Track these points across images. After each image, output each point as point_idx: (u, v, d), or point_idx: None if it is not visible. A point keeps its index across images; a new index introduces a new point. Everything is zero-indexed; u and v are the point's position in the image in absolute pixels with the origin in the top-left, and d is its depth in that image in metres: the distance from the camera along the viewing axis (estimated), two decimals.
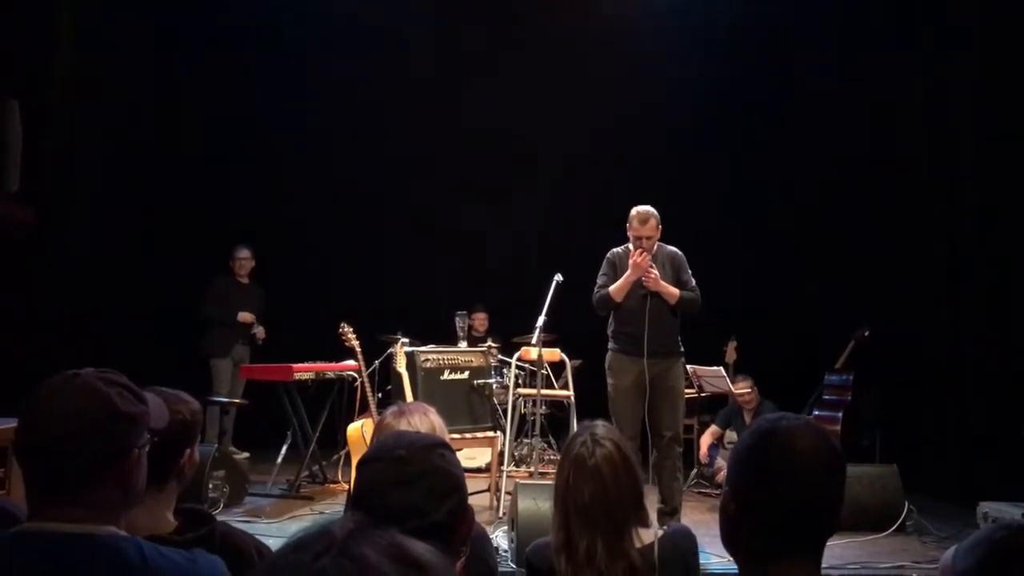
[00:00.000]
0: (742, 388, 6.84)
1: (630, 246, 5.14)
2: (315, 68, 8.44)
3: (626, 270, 5.07)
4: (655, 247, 5.13)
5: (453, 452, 1.64)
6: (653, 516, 2.83)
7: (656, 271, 5.02)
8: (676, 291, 5.06)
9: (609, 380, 5.19)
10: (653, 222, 5.06)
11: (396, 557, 0.75)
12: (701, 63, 8.38)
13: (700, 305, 5.16)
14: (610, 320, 5.26)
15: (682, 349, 5.25)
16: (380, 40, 8.48)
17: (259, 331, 7.49)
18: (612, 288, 5.09)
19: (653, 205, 5.18)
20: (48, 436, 1.48)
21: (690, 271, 5.21)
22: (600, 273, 5.27)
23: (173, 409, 1.84)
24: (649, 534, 2.29)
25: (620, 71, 8.41)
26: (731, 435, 7.03)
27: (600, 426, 2.39)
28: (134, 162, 7.75)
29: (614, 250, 5.27)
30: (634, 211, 5.12)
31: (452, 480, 1.56)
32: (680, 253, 5.25)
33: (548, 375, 6.79)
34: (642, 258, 4.97)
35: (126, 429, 1.53)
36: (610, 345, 5.25)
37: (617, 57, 8.38)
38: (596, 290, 5.22)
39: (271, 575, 0.75)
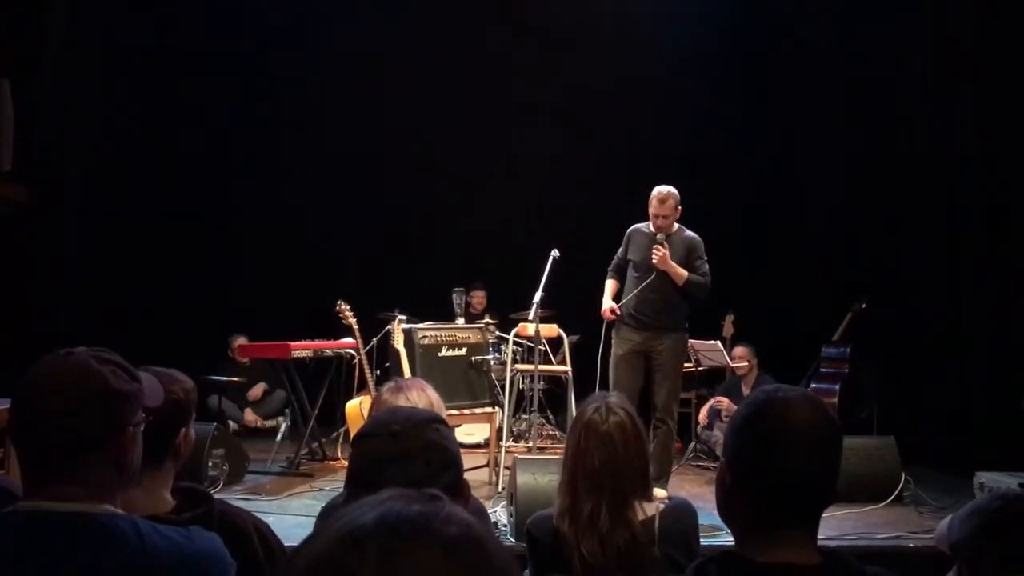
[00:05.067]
0: (740, 355, 6.84)
1: (650, 225, 5.36)
2: (314, 40, 8.37)
3: (636, 248, 5.37)
4: (675, 228, 5.35)
5: (448, 427, 1.64)
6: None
7: (664, 249, 5.17)
8: (684, 273, 5.22)
9: (613, 349, 5.43)
10: (671, 203, 5.27)
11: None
12: (698, 36, 8.31)
13: (708, 291, 5.34)
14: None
15: (686, 326, 5.42)
16: (377, 12, 8.40)
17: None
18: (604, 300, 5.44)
19: (649, 181, 5.42)
20: (41, 414, 1.48)
21: (704, 258, 5.37)
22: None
23: (167, 388, 1.83)
24: (651, 508, 2.33)
25: (619, 44, 8.35)
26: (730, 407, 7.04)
27: (614, 396, 2.48)
28: (128, 140, 7.71)
29: (634, 226, 5.48)
30: (655, 191, 5.33)
31: (447, 455, 1.55)
32: (697, 239, 5.41)
33: (546, 351, 6.81)
34: (660, 259, 5.19)
35: (120, 407, 1.52)
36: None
37: (616, 31, 8.31)
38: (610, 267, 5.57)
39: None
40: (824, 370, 7.08)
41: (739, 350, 6.89)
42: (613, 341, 5.42)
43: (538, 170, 8.53)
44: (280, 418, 7.49)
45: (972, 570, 1.66)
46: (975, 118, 6.58)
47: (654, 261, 5.18)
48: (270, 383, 7.83)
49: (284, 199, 8.52)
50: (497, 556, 0.76)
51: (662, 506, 2.37)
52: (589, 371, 5.60)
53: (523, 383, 7.03)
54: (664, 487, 5.25)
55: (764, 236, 8.40)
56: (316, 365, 6.47)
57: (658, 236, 5.26)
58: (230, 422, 7.54)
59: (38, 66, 6.55)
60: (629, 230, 5.50)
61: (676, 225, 5.37)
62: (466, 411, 5.77)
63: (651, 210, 5.30)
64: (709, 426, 6.83)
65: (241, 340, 7.36)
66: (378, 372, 6.63)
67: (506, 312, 7.61)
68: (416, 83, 8.52)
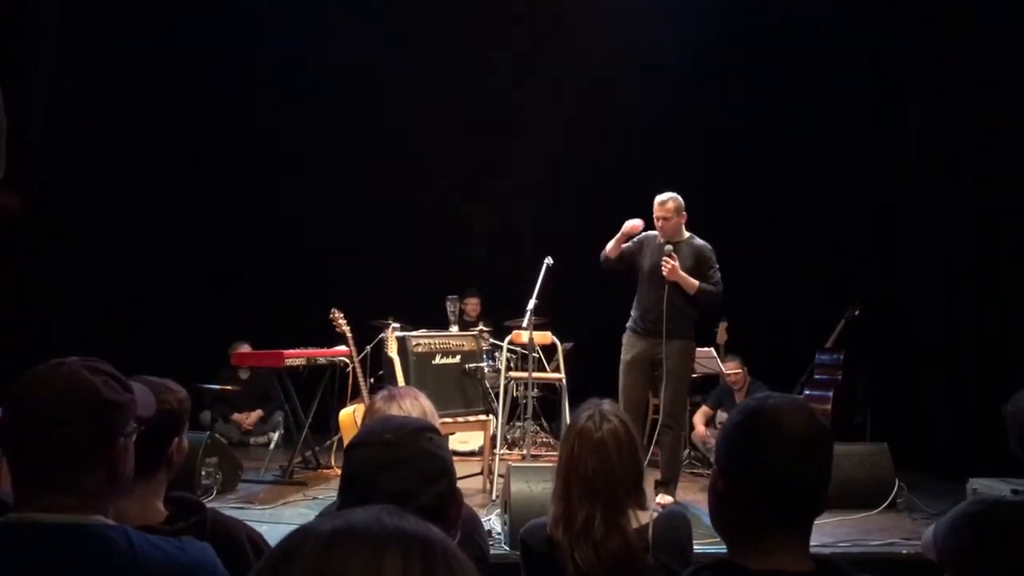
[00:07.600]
0: (731, 368, 6.85)
1: (654, 234, 5.38)
2: (312, 51, 8.37)
3: (648, 254, 5.33)
4: (686, 236, 5.34)
5: (441, 435, 1.64)
6: (650, 497, 2.87)
7: (674, 262, 5.15)
8: (695, 283, 5.20)
9: (621, 355, 5.40)
10: (671, 204, 5.28)
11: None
12: (696, 40, 8.32)
13: (720, 298, 5.34)
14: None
15: (693, 334, 5.39)
16: (375, 18, 8.41)
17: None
18: (608, 246, 5.32)
19: (643, 188, 5.44)
20: (32, 424, 1.47)
21: (716, 267, 5.35)
22: None
23: (160, 398, 1.83)
24: (645, 516, 2.33)
25: (615, 54, 8.36)
26: (723, 415, 7.04)
27: (608, 403, 2.46)
28: (122, 147, 7.69)
29: (649, 231, 5.43)
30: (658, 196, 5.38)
31: (440, 463, 1.55)
32: (708, 248, 5.38)
33: (539, 358, 6.80)
34: (630, 227, 5.25)
35: (112, 417, 1.51)
36: (627, 323, 5.46)
37: (611, 40, 8.33)
38: None
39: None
40: (817, 377, 7.09)
41: (728, 364, 6.90)
42: (623, 347, 5.38)
43: (533, 177, 8.53)
44: (272, 433, 7.44)
45: None
46: (969, 124, 6.61)
47: (664, 273, 5.15)
48: (268, 394, 7.59)
49: (281, 206, 8.51)
50: (463, 565, 0.75)
51: (656, 513, 2.37)
52: (583, 378, 5.59)
53: (517, 390, 7.02)
54: (672, 493, 5.25)
55: (759, 242, 8.40)
56: (310, 373, 6.45)
57: (667, 247, 5.22)
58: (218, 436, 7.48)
59: (31, 73, 6.53)
60: (644, 234, 5.41)
61: (687, 233, 5.36)
62: (460, 419, 5.76)
63: (654, 214, 5.31)
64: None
65: (243, 348, 7.18)
66: (372, 380, 6.62)
67: (500, 319, 7.60)
68: (412, 90, 8.52)
